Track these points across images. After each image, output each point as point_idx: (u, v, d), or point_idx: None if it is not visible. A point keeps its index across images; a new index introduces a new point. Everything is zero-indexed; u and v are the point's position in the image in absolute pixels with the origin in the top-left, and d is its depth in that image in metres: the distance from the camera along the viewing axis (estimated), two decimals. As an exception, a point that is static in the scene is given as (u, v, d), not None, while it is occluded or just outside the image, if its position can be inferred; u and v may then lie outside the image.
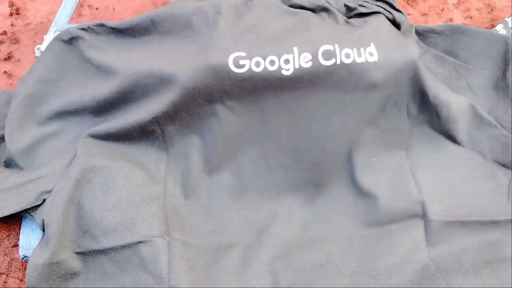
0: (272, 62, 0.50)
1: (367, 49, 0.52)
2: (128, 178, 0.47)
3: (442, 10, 0.69)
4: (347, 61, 0.51)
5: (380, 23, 0.55)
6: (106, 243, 0.44)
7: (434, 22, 0.67)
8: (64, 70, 0.55)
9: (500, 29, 0.64)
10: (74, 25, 0.63)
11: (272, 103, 0.52)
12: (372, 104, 0.54)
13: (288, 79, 0.50)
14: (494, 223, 0.47)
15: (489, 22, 0.67)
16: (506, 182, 0.51)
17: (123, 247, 0.44)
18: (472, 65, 0.57)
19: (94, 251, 0.44)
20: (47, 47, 0.57)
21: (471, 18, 0.68)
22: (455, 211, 0.49)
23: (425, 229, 0.48)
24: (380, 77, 0.52)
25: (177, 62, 0.49)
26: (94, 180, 0.46)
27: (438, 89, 0.54)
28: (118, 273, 0.44)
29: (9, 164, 0.50)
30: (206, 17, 0.51)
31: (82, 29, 0.56)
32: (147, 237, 0.44)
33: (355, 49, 0.52)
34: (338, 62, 0.51)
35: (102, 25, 0.56)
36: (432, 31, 0.59)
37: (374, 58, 0.52)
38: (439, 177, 0.52)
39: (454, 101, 0.54)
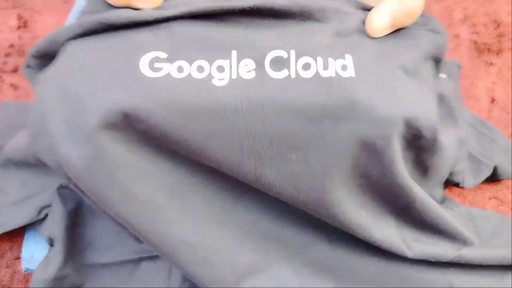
0: (200, 68, 0.34)
1: (338, 61, 0.34)
2: None
3: (448, 25, 0.69)
4: (305, 74, 0.34)
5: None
6: (109, 257, 0.44)
7: (440, 38, 0.68)
8: None
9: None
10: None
11: (200, 130, 0.34)
12: (348, 141, 0.34)
13: (222, 90, 0.33)
14: None
15: (496, 37, 0.67)
16: None
17: (126, 262, 0.44)
18: None
19: (96, 264, 0.44)
20: None
21: (478, 33, 0.68)
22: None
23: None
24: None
25: None
26: None
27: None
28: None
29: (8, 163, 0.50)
30: None
31: None
32: (150, 252, 0.44)
33: (319, 58, 0.34)
34: (293, 76, 0.34)
35: None
36: None
37: (350, 73, 0.34)
38: None
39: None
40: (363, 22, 0.37)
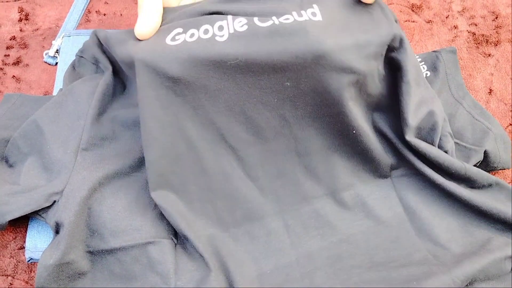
0: (206, 31, 0.44)
1: (308, 10, 0.44)
2: (139, 182, 0.47)
3: (447, 17, 0.69)
4: (286, 21, 0.43)
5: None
6: (114, 243, 0.44)
7: (439, 30, 0.68)
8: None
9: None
10: (82, 31, 0.64)
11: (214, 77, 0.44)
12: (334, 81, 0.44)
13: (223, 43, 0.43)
14: None
15: (494, 29, 0.68)
16: None
17: (131, 247, 0.44)
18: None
19: (101, 251, 0.44)
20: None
21: (476, 25, 0.68)
22: None
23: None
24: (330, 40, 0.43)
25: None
26: (104, 182, 0.47)
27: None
28: (124, 274, 0.44)
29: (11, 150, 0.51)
30: None
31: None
32: (156, 237, 0.44)
33: (294, 12, 0.44)
34: (277, 23, 0.43)
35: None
36: None
37: (318, 17, 0.44)
38: None
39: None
40: None
